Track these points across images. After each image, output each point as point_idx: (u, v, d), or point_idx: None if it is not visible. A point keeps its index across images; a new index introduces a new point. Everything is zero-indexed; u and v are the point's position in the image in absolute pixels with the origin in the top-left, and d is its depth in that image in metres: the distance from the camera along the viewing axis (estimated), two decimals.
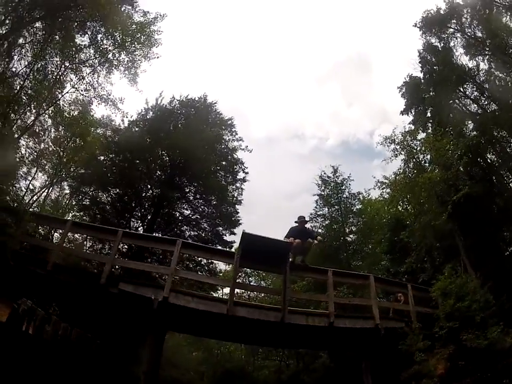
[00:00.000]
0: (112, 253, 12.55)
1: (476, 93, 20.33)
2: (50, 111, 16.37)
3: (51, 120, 16.96)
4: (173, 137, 20.35)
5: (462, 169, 17.06)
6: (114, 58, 17.01)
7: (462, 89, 20.19)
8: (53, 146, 17.99)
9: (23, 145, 16.51)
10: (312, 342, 13.33)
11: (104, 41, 16.79)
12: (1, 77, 14.04)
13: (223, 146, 23.55)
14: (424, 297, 13.47)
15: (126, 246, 18.33)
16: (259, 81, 59.25)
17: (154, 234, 18.70)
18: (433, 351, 11.99)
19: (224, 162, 23.36)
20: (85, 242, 19.19)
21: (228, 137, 23.82)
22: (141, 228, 20.38)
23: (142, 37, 17.07)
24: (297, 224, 12.64)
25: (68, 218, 16.95)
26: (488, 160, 18.60)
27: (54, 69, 16.09)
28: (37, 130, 17.08)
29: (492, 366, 10.49)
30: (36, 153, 17.37)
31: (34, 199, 18.06)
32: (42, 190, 18.42)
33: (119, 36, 16.76)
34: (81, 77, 16.69)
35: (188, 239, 20.50)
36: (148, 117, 22.27)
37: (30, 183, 17.41)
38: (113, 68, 17.10)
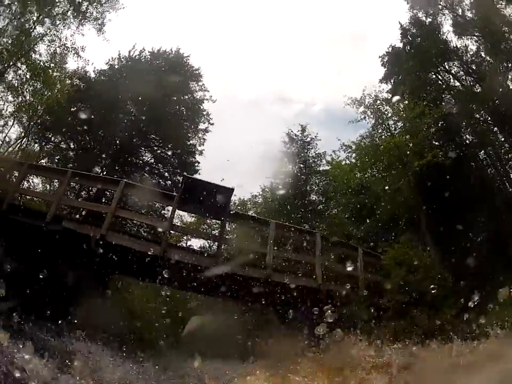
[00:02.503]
0: (59, 192, 12.25)
1: (462, 72, 19.57)
2: (25, 64, 17.37)
3: (29, 74, 17.69)
4: (140, 87, 19.54)
5: (431, 138, 16.17)
6: (87, 10, 18.33)
7: (444, 65, 19.43)
8: (30, 98, 18.10)
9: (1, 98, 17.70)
10: (251, 294, 12.56)
11: None
12: None
13: (188, 97, 23.23)
14: (376, 264, 12.41)
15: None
16: (250, 44, 57.46)
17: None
18: (381, 323, 11.12)
19: (188, 113, 23.08)
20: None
21: (195, 87, 23.41)
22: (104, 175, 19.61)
23: None
24: None
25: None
26: (465, 138, 17.97)
27: (31, 24, 17.28)
28: (16, 84, 17.86)
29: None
30: (14, 106, 18.14)
31: (10, 150, 18.10)
32: (17, 142, 18.50)
33: None
34: (55, 30, 17.97)
35: (150, 186, 19.92)
36: (117, 67, 22.00)
37: (6, 135, 18.47)
38: (84, 20, 18.40)
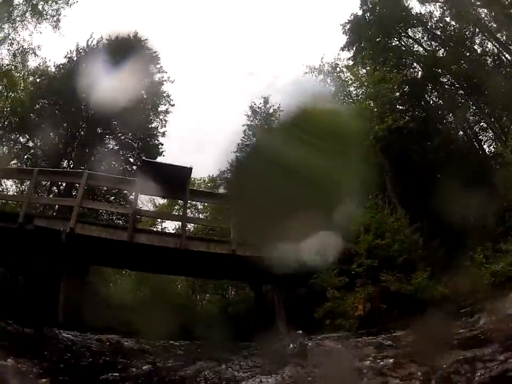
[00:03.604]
0: (28, 191, 12.15)
1: (426, 38, 19.61)
2: None
3: None
4: (98, 75, 19.70)
5: (395, 102, 16.12)
6: (43, 10, 18.63)
7: (407, 32, 19.44)
8: None
9: None
10: (218, 270, 12.61)
11: None
12: None
13: (147, 80, 22.98)
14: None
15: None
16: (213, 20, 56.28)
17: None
18: (354, 289, 10.97)
19: (148, 95, 23.01)
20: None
21: (153, 70, 23.41)
22: (71, 167, 19.76)
23: None
24: None
25: None
26: (430, 102, 18.00)
27: None
28: None
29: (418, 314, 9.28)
30: None
31: None
32: None
33: None
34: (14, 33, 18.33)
35: (118, 173, 19.60)
36: (75, 59, 21.75)
37: None
38: (41, 19, 18.70)
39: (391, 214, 12.55)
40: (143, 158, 10.59)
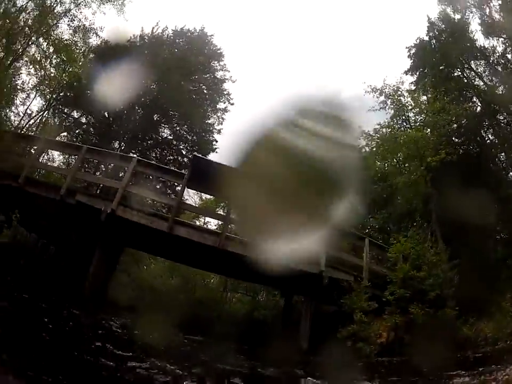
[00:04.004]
0: (74, 167, 12.60)
1: (487, 72, 19.18)
2: (47, 40, 17.88)
3: (52, 48, 18.21)
4: (161, 65, 20.07)
5: (451, 134, 15.94)
6: None
7: (469, 64, 19.06)
8: (54, 72, 18.66)
9: (24, 72, 18.26)
10: (250, 274, 12.63)
11: None
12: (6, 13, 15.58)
13: (208, 76, 23.32)
14: (383, 256, 12.48)
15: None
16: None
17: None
18: (382, 315, 10.89)
19: (209, 91, 23.23)
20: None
21: (216, 67, 23.48)
22: (122, 149, 20.16)
23: None
24: None
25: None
26: (486, 138, 17.65)
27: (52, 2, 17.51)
28: (39, 58, 18.34)
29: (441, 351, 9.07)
30: (37, 79, 18.77)
31: (31, 123, 18.69)
32: (40, 114, 19.02)
33: None
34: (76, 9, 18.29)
35: (167, 163, 20.55)
36: (138, 44, 21.90)
37: (27, 108, 19.10)
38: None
39: (431, 247, 12.29)
40: (194, 153, 10.68)
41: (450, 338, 9.96)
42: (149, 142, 21.54)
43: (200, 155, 10.50)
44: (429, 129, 15.27)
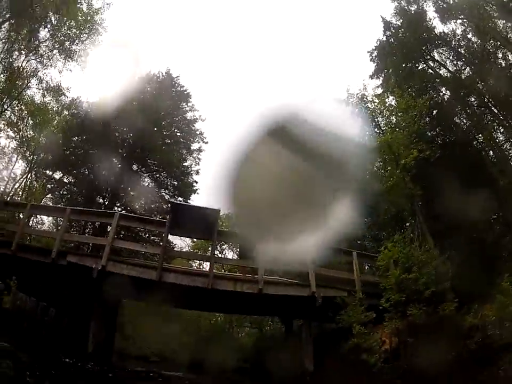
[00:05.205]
0: (61, 229, 12.96)
1: (451, 57, 19.59)
2: (21, 102, 18.93)
3: (26, 110, 19.39)
4: (132, 114, 20.43)
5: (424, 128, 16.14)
6: (71, 47, 19.15)
7: (432, 54, 19.43)
8: (30, 133, 19.89)
9: (3, 136, 19.34)
10: (245, 307, 13.02)
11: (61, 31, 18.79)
12: None
13: (178, 118, 23.90)
14: (373, 265, 12.75)
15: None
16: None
17: (116, 209, 19.35)
18: (382, 323, 11.09)
19: (181, 134, 23.84)
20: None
21: (185, 108, 24.14)
22: (105, 204, 20.66)
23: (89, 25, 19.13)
24: None
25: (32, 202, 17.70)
26: (461, 124, 17.95)
27: (20, 64, 18.40)
28: (15, 120, 19.51)
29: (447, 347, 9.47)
30: (16, 142, 19.94)
31: (16, 187, 19.31)
32: (23, 177, 19.63)
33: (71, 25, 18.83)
34: (44, 68, 19.07)
35: (151, 212, 20.95)
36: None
37: (11, 171, 20.16)
38: (69, 58, 19.31)
39: (420, 245, 12.54)
40: (170, 200, 11.15)
41: (454, 331, 10.23)
42: (131, 194, 21.92)
43: (177, 201, 10.89)
44: (400, 131, 15.39)
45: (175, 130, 23.76)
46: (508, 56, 17.79)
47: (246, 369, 14.97)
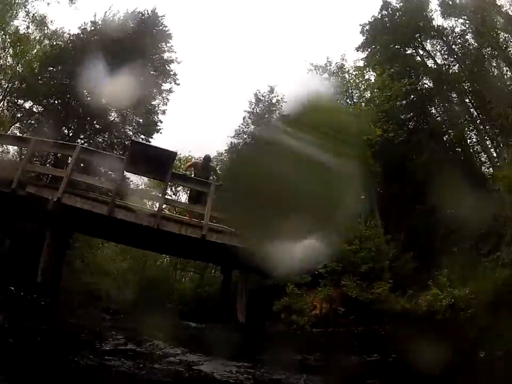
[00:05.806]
0: (24, 159, 12.68)
1: (443, 51, 19.83)
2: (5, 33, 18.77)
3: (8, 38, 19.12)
4: (111, 49, 20.44)
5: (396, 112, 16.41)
6: None
7: (424, 43, 19.73)
8: (10, 61, 19.54)
9: None
10: (189, 251, 13.34)
11: None
12: None
13: (155, 57, 23.70)
14: None
15: None
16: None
17: (79, 142, 19.35)
18: (316, 288, 11.83)
19: (155, 72, 23.64)
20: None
21: (164, 48, 23.91)
22: (70, 136, 20.59)
23: None
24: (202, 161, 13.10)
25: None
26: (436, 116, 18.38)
27: None
28: None
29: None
30: None
31: None
32: None
33: None
34: None
35: (113, 146, 21.17)
36: (89, 30, 22.39)
37: None
38: None
39: (366, 221, 12.95)
40: (132, 138, 11.30)
41: (386, 312, 10.77)
42: (96, 126, 21.96)
43: (137, 140, 11.07)
44: (372, 106, 15.71)
45: (149, 67, 23.41)
46: (502, 68, 18.17)
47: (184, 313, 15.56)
